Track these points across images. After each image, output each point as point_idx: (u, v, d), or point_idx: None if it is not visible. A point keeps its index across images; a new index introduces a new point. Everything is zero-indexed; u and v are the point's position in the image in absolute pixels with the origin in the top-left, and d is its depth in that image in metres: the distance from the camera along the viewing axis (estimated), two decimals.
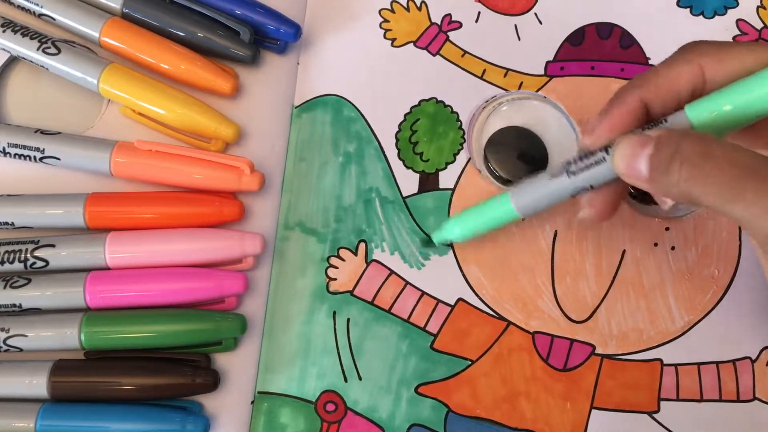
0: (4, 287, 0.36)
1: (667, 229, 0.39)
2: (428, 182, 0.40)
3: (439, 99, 0.41)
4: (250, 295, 0.38)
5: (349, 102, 0.41)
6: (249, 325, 0.37)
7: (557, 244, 0.39)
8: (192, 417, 0.35)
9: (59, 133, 0.39)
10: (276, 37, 0.41)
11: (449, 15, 0.43)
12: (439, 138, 0.40)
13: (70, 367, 0.35)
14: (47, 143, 0.38)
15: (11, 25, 0.40)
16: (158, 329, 0.35)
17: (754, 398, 0.37)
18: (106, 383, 0.35)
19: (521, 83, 0.41)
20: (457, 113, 0.41)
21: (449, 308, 0.38)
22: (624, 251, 0.38)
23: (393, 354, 0.37)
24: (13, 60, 0.42)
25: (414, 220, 0.39)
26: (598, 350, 0.37)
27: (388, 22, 0.43)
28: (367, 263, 0.39)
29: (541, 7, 0.43)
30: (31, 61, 0.40)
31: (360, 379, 0.37)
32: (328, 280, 0.38)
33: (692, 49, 0.31)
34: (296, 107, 0.41)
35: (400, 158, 0.40)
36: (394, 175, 0.40)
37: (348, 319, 0.38)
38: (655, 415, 0.37)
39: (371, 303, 0.38)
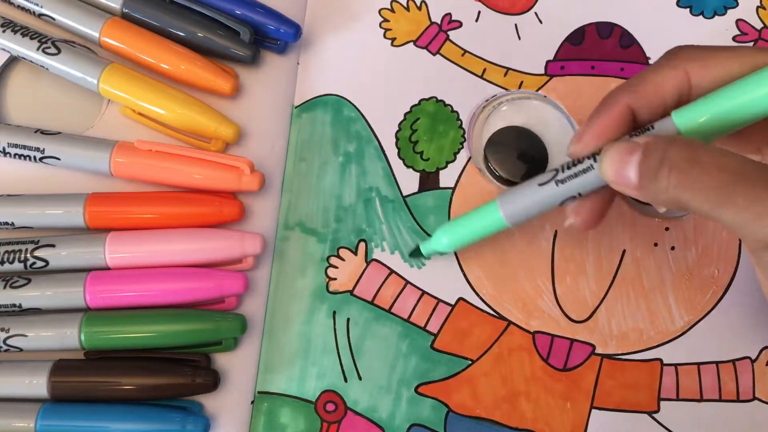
0: (4, 287, 0.36)
1: (667, 229, 0.39)
2: (428, 181, 0.40)
3: (439, 98, 0.41)
4: (250, 295, 0.38)
5: (349, 102, 0.41)
6: (249, 325, 0.37)
7: (557, 243, 0.39)
8: (192, 417, 0.35)
9: (59, 133, 0.39)
10: (276, 37, 0.41)
11: (449, 14, 0.43)
12: (439, 137, 0.40)
13: (70, 367, 0.35)
14: (47, 143, 0.38)
15: (11, 25, 0.40)
16: (158, 329, 0.35)
17: (754, 398, 0.37)
18: (106, 383, 0.35)
19: (521, 82, 0.41)
20: (457, 112, 0.41)
21: (449, 308, 0.38)
22: (624, 251, 0.38)
23: (393, 354, 0.37)
24: (13, 60, 0.42)
25: (414, 219, 0.39)
26: (598, 350, 0.37)
27: (388, 21, 0.43)
28: (367, 263, 0.39)
29: (542, 6, 0.43)
30: (31, 61, 0.40)
31: (360, 379, 0.37)
32: (328, 279, 0.38)
33: (678, 54, 0.30)
34: (296, 107, 0.41)
35: (400, 157, 0.40)
36: (394, 175, 0.40)
37: (348, 319, 0.38)
38: (655, 415, 0.37)
39: (371, 303, 0.38)
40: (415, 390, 0.37)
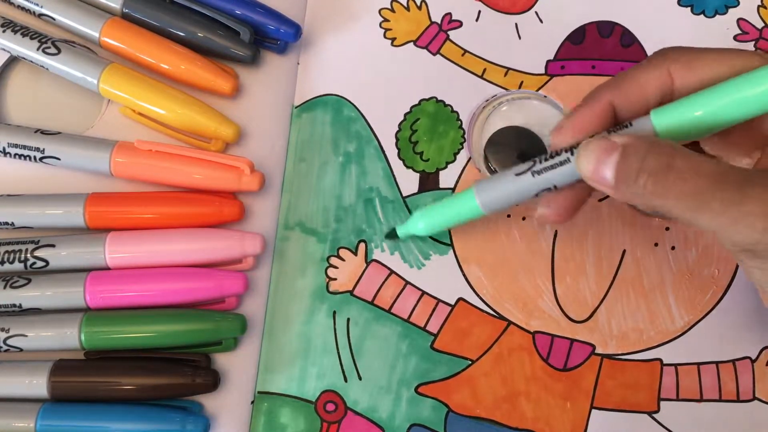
0: (4, 287, 0.36)
1: (667, 229, 0.38)
2: (428, 182, 0.40)
3: (439, 98, 0.41)
4: (250, 295, 0.38)
5: (349, 102, 0.41)
6: (249, 325, 0.37)
7: (557, 243, 0.39)
8: (192, 417, 0.35)
9: (59, 133, 0.39)
10: (276, 37, 0.41)
11: (449, 14, 0.43)
12: (439, 137, 0.40)
13: (70, 367, 0.35)
14: (47, 143, 0.38)
15: (11, 25, 0.40)
16: (158, 329, 0.35)
17: (754, 398, 0.37)
18: (106, 383, 0.35)
19: (522, 82, 0.41)
20: (457, 112, 0.41)
21: (449, 308, 0.38)
22: (624, 251, 0.38)
23: (393, 354, 0.37)
24: (13, 60, 0.42)
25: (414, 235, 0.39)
26: (598, 350, 0.37)
27: (388, 21, 0.43)
28: (367, 263, 0.39)
29: (542, 5, 0.43)
30: (31, 61, 0.40)
31: (360, 379, 0.37)
32: (328, 280, 0.38)
33: (664, 55, 0.31)
34: (296, 107, 0.41)
35: (400, 158, 0.40)
36: (394, 175, 0.40)
37: (348, 319, 0.38)
38: (655, 415, 0.37)
39: (371, 303, 0.38)
40: (415, 390, 0.37)
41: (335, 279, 0.38)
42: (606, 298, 0.38)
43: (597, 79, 0.41)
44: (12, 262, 0.36)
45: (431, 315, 0.38)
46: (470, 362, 0.37)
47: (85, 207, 0.37)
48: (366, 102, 0.41)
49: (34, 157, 0.38)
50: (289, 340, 0.38)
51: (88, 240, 0.37)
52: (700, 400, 0.37)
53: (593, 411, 0.37)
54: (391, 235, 0.38)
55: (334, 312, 0.38)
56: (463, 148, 0.40)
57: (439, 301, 0.38)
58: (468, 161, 0.40)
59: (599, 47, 0.42)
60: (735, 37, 0.42)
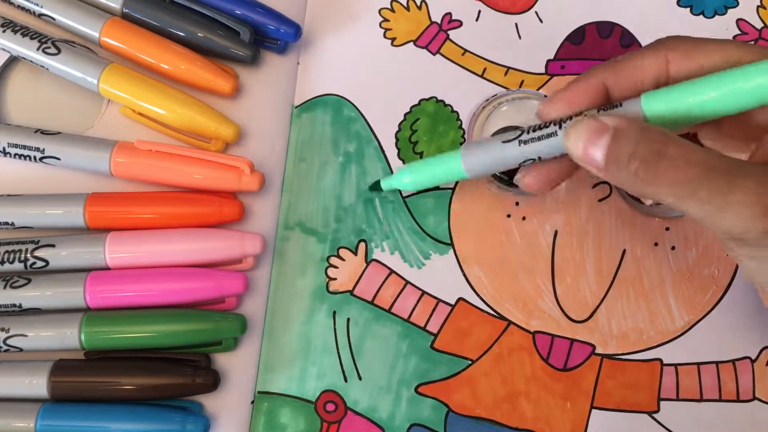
0: (4, 287, 0.36)
1: (667, 229, 0.38)
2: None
3: (439, 98, 0.41)
4: (250, 295, 0.38)
5: (349, 102, 0.41)
6: (249, 325, 0.37)
7: (557, 243, 0.39)
8: (192, 417, 0.35)
9: (59, 133, 0.39)
10: (276, 37, 0.41)
11: (449, 14, 0.43)
12: (439, 137, 0.40)
13: (70, 367, 0.35)
14: (47, 143, 0.38)
15: (11, 25, 0.40)
16: (158, 329, 0.35)
17: (754, 398, 0.37)
18: (106, 383, 0.35)
19: (522, 82, 0.41)
20: (457, 112, 0.41)
21: (449, 308, 0.38)
22: (624, 251, 0.38)
23: (393, 354, 0.37)
24: (13, 60, 0.42)
25: (414, 219, 0.39)
26: (598, 350, 0.37)
27: (388, 21, 0.43)
28: (367, 263, 0.39)
29: (542, 5, 0.43)
30: (31, 61, 0.40)
31: (360, 379, 0.37)
32: (328, 279, 0.38)
33: (664, 42, 0.31)
34: (296, 107, 0.41)
35: (400, 158, 0.40)
36: None
37: (348, 319, 0.38)
38: (655, 415, 0.37)
39: (371, 303, 0.38)
40: (415, 390, 0.37)
41: (335, 279, 0.38)
42: (606, 298, 0.38)
43: None
44: (12, 262, 0.36)
45: (431, 315, 0.38)
46: (470, 362, 0.37)
47: (85, 207, 0.37)
48: (366, 102, 0.41)
49: (34, 157, 0.38)
50: (289, 340, 0.38)
51: (88, 240, 0.37)
52: (700, 400, 0.37)
53: (593, 411, 0.37)
54: (375, 186, 0.38)
55: (334, 312, 0.38)
56: None
57: (439, 300, 0.38)
58: None
59: (599, 47, 0.42)
60: (734, 38, 0.42)
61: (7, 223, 0.37)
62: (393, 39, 0.42)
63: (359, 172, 0.40)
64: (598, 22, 0.42)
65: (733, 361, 0.37)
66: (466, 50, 0.42)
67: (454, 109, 0.41)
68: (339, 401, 0.37)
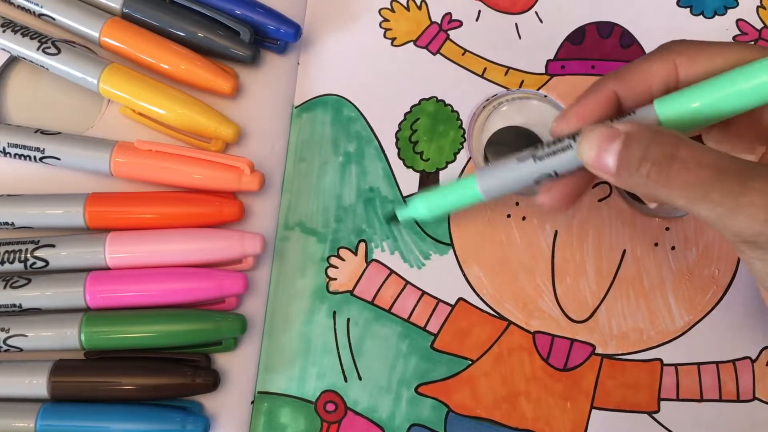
0: (4, 287, 0.36)
1: (667, 229, 0.38)
2: (428, 182, 0.40)
3: (439, 98, 0.41)
4: (250, 295, 0.38)
5: (349, 102, 0.41)
6: (249, 325, 0.37)
7: (557, 244, 0.39)
8: (192, 417, 0.35)
9: (59, 133, 0.39)
10: (276, 37, 0.41)
11: (449, 14, 0.43)
12: (439, 137, 0.40)
13: (70, 367, 0.35)
14: (47, 143, 0.38)
15: (11, 25, 0.40)
16: (158, 329, 0.35)
17: (754, 398, 0.37)
18: (106, 383, 0.35)
19: (522, 81, 0.41)
20: (457, 112, 0.41)
21: (449, 308, 0.38)
22: (624, 251, 0.38)
23: (393, 354, 0.37)
24: (13, 60, 0.42)
25: (414, 219, 0.39)
26: (599, 350, 0.37)
27: (388, 21, 0.43)
28: (367, 263, 0.39)
29: (542, 5, 0.43)
30: (31, 61, 0.40)
31: (360, 379, 0.37)
32: (328, 279, 0.38)
33: (670, 47, 0.31)
34: (296, 107, 0.41)
35: (400, 158, 0.40)
36: (394, 175, 0.40)
37: (348, 319, 0.38)
38: (655, 415, 0.37)
39: (371, 303, 0.38)
40: (415, 390, 0.37)
41: (335, 279, 0.38)
42: (606, 298, 0.38)
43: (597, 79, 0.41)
44: (12, 262, 0.36)
45: (431, 315, 0.38)
46: (470, 362, 0.37)
47: (85, 207, 0.37)
48: (366, 102, 0.41)
49: (34, 157, 0.38)
50: (289, 340, 0.38)
51: (88, 240, 0.37)
52: (700, 400, 0.37)
53: (593, 411, 0.37)
54: (392, 218, 0.38)
55: (334, 312, 0.38)
56: (463, 147, 0.40)
57: (439, 301, 0.38)
58: (468, 161, 0.40)
59: (599, 47, 0.42)
60: (734, 38, 0.42)
61: (7, 223, 0.37)
62: (393, 39, 0.42)
63: (359, 172, 0.40)
64: (598, 22, 0.42)
65: (733, 361, 0.37)
66: (466, 50, 0.42)
67: (455, 108, 0.41)
68: (339, 401, 0.37)
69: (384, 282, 0.38)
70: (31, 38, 0.39)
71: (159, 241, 0.36)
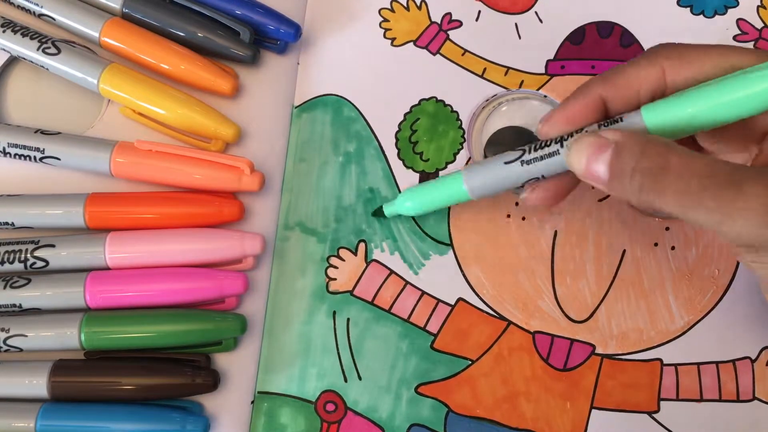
0: (4, 287, 0.36)
1: (667, 229, 0.38)
2: None
3: (439, 98, 0.41)
4: (250, 295, 0.38)
5: (349, 102, 0.41)
6: (249, 325, 0.37)
7: (557, 244, 0.39)
8: (192, 417, 0.35)
9: (59, 133, 0.39)
10: (276, 37, 0.41)
11: (449, 14, 0.43)
12: (439, 137, 0.40)
13: (70, 367, 0.35)
14: (47, 143, 0.38)
15: (11, 25, 0.40)
16: (158, 329, 0.35)
17: (754, 398, 0.37)
18: (106, 383, 0.35)
19: (522, 82, 0.41)
20: (457, 112, 0.41)
21: (449, 308, 0.38)
22: (624, 251, 0.38)
23: (393, 354, 0.37)
24: (13, 60, 0.42)
25: (414, 219, 0.39)
26: (598, 350, 0.37)
27: (387, 21, 0.43)
28: (367, 263, 0.39)
29: (542, 5, 0.43)
30: (31, 61, 0.40)
31: (360, 379, 0.37)
32: (328, 280, 0.38)
33: (658, 51, 0.31)
34: (296, 107, 0.41)
35: (400, 158, 0.40)
36: (394, 175, 0.40)
37: (348, 319, 0.38)
38: (655, 415, 0.37)
39: (371, 303, 0.38)
40: (415, 390, 0.37)
41: (335, 279, 0.38)
42: (606, 298, 0.38)
43: None
44: (12, 262, 0.36)
45: (431, 315, 0.38)
46: (470, 362, 0.37)
47: (85, 207, 0.37)
48: (366, 102, 0.41)
49: (34, 157, 0.38)
50: (289, 340, 0.38)
51: (88, 240, 0.37)
52: (700, 400, 0.37)
53: (593, 411, 0.37)
54: (378, 212, 0.38)
55: (334, 312, 0.38)
56: (463, 148, 0.40)
57: (439, 301, 0.38)
58: (468, 161, 0.40)
59: (599, 47, 0.42)
60: (734, 38, 0.42)
61: (7, 223, 0.37)
62: (393, 39, 0.42)
63: (359, 172, 0.40)
64: (598, 22, 0.42)
65: (733, 361, 0.37)
66: (466, 50, 0.42)
67: (454, 109, 0.41)
68: (339, 401, 0.37)
69: (384, 282, 0.38)
70: (31, 38, 0.39)
71: (159, 241, 0.36)
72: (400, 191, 0.39)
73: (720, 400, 0.37)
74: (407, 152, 0.40)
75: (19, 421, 0.34)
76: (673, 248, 0.38)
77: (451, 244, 0.39)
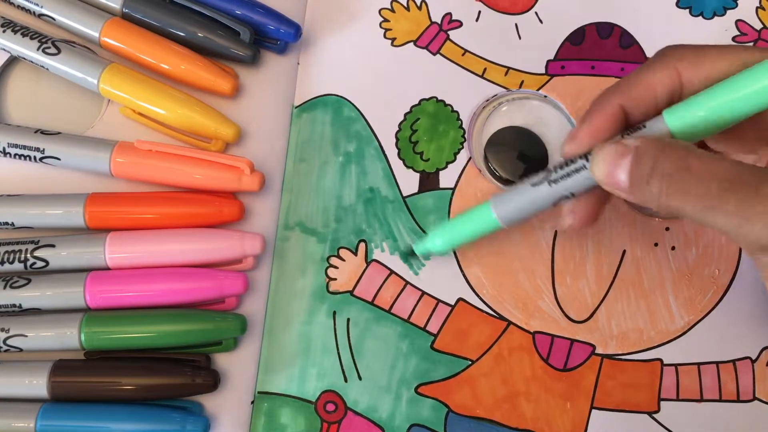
0: (4, 287, 0.36)
1: (667, 229, 0.39)
2: (428, 182, 0.40)
3: (439, 98, 0.41)
4: (250, 295, 0.38)
5: (349, 102, 0.41)
6: (249, 325, 0.37)
7: (557, 244, 0.39)
8: (192, 417, 0.35)
9: (59, 133, 0.39)
10: (276, 37, 0.41)
11: (449, 14, 0.43)
12: (439, 137, 0.40)
13: (70, 367, 0.35)
14: (47, 143, 0.38)
15: (11, 25, 0.40)
16: (158, 329, 0.35)
17: (754, 398, 0.37)
18: (106, 383, 0.35)
19: (522, 82, 0.41)
20: (457, 112, 0.41)
21: (449, 308, 0.38)
22: (624, 251, 0.38)
23: (393, 354, 0.37)
24: (13, 60, 0.42)
25: (414, 219, 0.39)
26: (599, 350, 0.37)
27: (388, 21, 0.43)
28: (367, 263, 0.39)
29: (542, 6, 0.43)
30: (31, 61, 0.40)
31: (360, 379, 0.37)
32: (328, 280, 0.38)
33: (669, 53, 0.31)
34: (296, 107, 0.41)
35: (400, 158, 0.40)
36: (394, 175, 0.40)
37: (348, 319, 0.38)
38: (655, 415, 0.37)
39: (371, 303, 0.38)
40: (415, 390, 0.37)
41: (335, 279, 0.38)
42: (606, 298, 0.38)
43: (596, 80, 0.41)
44: (12, 262, 0.36)
45: (431, 315, 0.38)
46: (470, 362, 0.37)
47: (85, 207, 0.37)
48: (366, 102, 0.41)
49: (34, 157, 0.38)
50: (289, 340, 0.38)
51: (88, 240, 0.37)
52: (700, 400, 0.37)
53: (593, 411, 0.37)
54: (410, 254, 0.38)
55: (334, 312, 0.38)
56: (463, 147, 0.40)
57: (439, 301, 0.38)
58: (468, 161, 0.40)
59: (599, 48, 0.42)
60: (733, 39, 0.42)
61: (7, 223, 0.37)
62: (393, 39, 0.42)
63: (359, 172, 0.40)
64: (598, 22, 0.42)
65: (733, 362, 0.37)
66: (466, 50, 0.42)
67: (455, 109, 0.41)
68: (339, 401, 0.37)
69: (384, 282, 0.38)
70: (31, 38, 0.39)
71: (159, 241, 0.36)
72: (400, 191, 0.39)
73: (720, 400, 0.37)
74: (407, 152, 0.40)
75: (19, 421, 0.34)
76: (673, 248, 0.38)
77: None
